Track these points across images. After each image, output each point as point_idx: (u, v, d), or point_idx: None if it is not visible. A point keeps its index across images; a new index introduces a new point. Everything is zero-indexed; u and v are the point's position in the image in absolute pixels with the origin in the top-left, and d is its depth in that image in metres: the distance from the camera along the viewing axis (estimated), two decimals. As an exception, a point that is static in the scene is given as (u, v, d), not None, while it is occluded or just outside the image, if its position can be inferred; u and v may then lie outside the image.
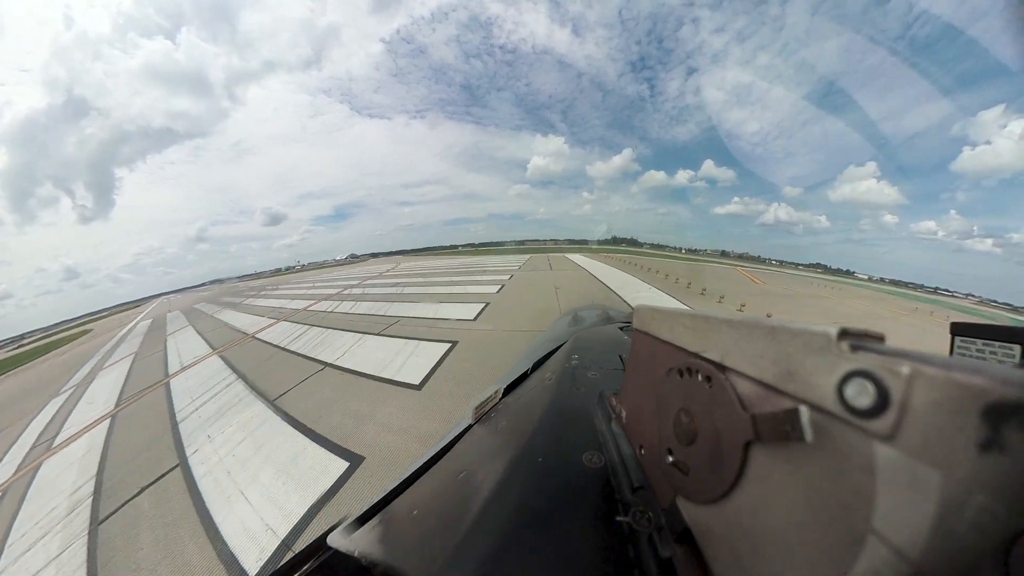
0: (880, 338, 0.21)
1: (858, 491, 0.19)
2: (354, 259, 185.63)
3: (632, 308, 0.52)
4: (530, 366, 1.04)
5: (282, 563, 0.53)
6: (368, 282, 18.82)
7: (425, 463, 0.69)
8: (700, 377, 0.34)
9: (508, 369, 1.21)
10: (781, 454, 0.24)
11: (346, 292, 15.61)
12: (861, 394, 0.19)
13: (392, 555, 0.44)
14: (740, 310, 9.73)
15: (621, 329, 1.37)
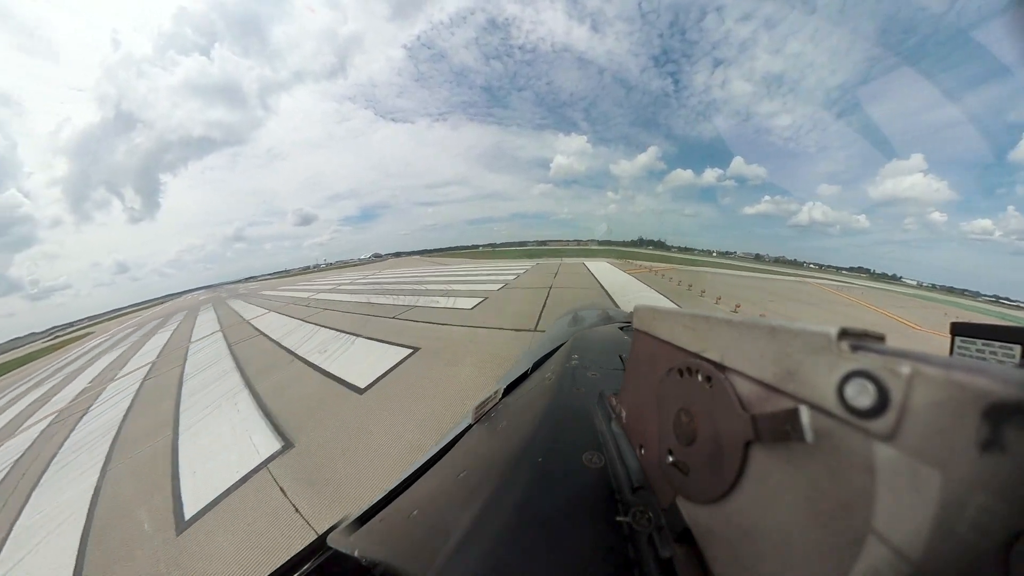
0: (880, 338, 0.21)
1: (858, 491, 0.19)
2: (378, 258, 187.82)
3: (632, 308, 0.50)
4: (530, 366, 1.04)
5: (282, 563, 0.53)
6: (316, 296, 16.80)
7: (425, 463, 0.68)
8: (700, 377, 0.34)
9: (508, 369, 1.20)
10: (781, 454, 0.24)
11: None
12: (861, 394, 0.19)
13: (392, 555, 0.44)
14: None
15: (621, 329, 1.37)
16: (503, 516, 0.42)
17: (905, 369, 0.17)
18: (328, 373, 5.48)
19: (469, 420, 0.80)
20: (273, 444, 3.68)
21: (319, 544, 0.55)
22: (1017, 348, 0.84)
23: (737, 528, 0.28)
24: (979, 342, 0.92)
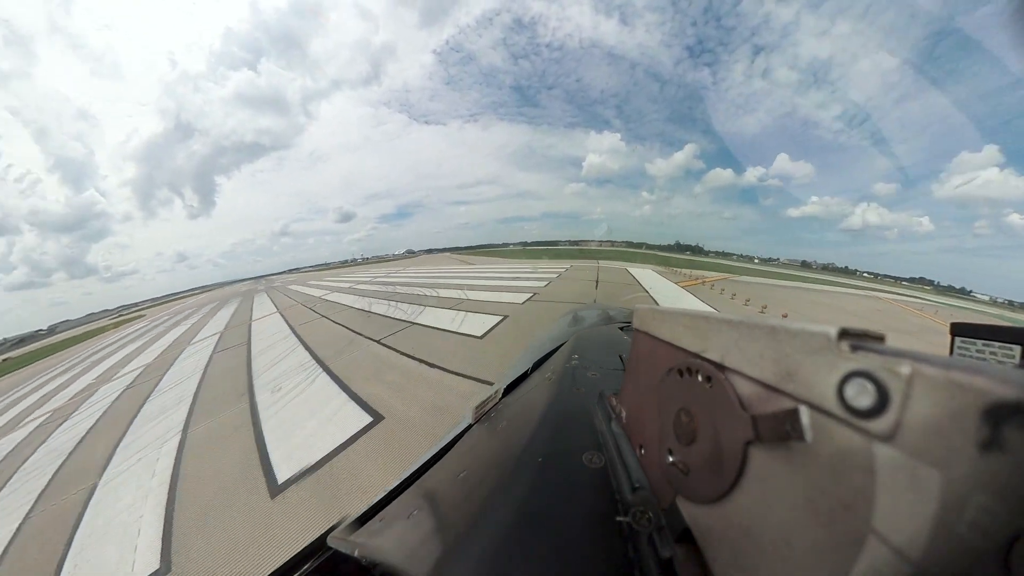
0: (880, 338, 0.22)
1: (858, 491, 0.19)
2: (411, 254, 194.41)
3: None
4: (530, 366, 1.03)
5: (282, 563, 0.53)
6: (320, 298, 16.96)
7: (425, 463, 0.68)
8: (700, 377, 0.34)
9: (508, 369, 1.20)
10: (781, 454, 0.24)
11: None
12: (861, 394, 0.19)
13: (392, 555, 0.45)
14: None
15: (621, 329, 1.36)
16: (503, 516, 0.42)
17: (905, 369, 0.17)
18: (260, 441, 3.99)
19: (469, 420, 0.79)
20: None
21: (319, 544, 0.54)
22: (1017, 348, 0.84)
23: (737, 528, 0.28)
24: (979, 342, 0.92)
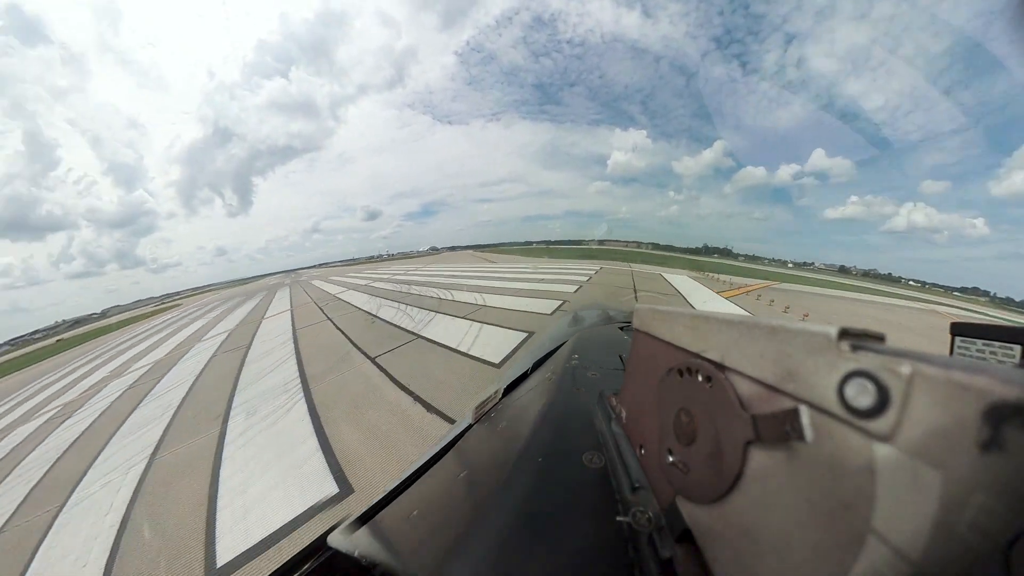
0: (880, 338, 0.22)
1: (858, 491, 0.19)
2: (434, 251, 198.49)
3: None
4: (530, 366, 1.04)
5: (282, 563, 0.53)
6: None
7: (425, 463, 0.68)
8: (700, 377, 0.34)
9: (508, 369, 1.20)
10: (781, 454, 0.24)
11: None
12: (861, 394, 0.19)
13: (392, 555, 0.45)
14: None
15: (621, 329, 1.36)
16: (503, 516, 0.42)
17: (905, 369, 0.17)
18: (214, 490, 3.33)
19: (469, 420, 0.80)
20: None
21: (319, 544, 0.54)
22: (1017, 348, 0.84)
23: (737, 528, 0.28)
24: (979, 342, 0.92)
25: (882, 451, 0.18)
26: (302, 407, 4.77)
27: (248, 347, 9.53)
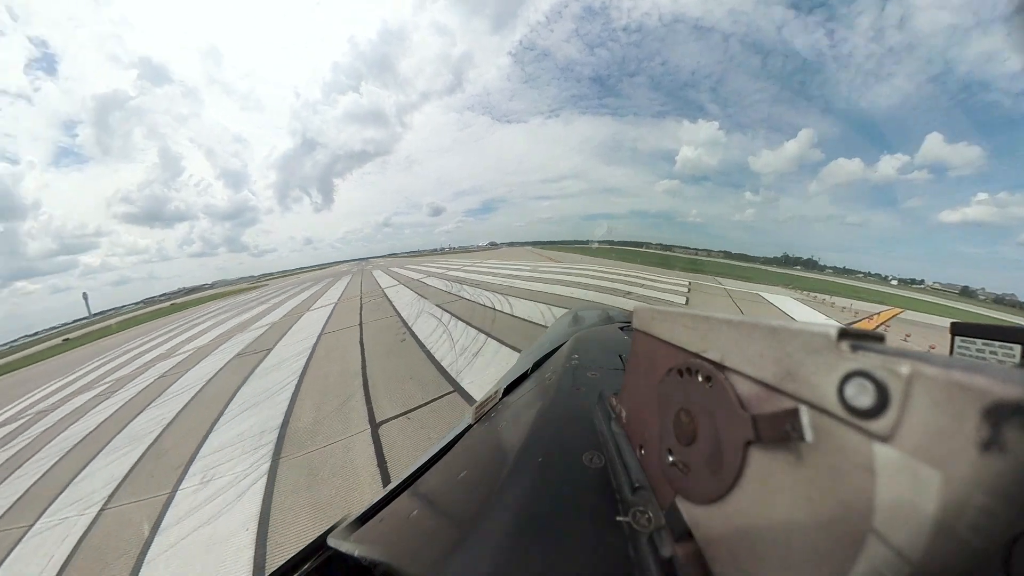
0: (880, 338, 0.21)
1: (858, 491, 0.19)
2: (493, 246, 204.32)
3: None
4: (530, 366, 1.03)
5: (282, 563, 0.53)
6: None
7: (425, 463, 0.68)
8: (700, 377, 0.34)
9: (508, 369, 1.20)
10: (781, 454, 0.24)
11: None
12: (861, 394, 0.19)
13: (392, 555, 0.45)
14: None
15: (621, 329, 1.36)
16: (503, 516, 0.42)
17: (905, 369, 0.17)
18: None
19: (469, 420, 0.80)
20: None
21: (319, 544, 0.54)
22: (1017, 348, 0.84)
23: (737, 528, 0.28)
24: (979, 342, 0.91)
25: (882, 451, 0.18)
26: (259, 487, 3.24)
27: (269, 351, 8.71)
